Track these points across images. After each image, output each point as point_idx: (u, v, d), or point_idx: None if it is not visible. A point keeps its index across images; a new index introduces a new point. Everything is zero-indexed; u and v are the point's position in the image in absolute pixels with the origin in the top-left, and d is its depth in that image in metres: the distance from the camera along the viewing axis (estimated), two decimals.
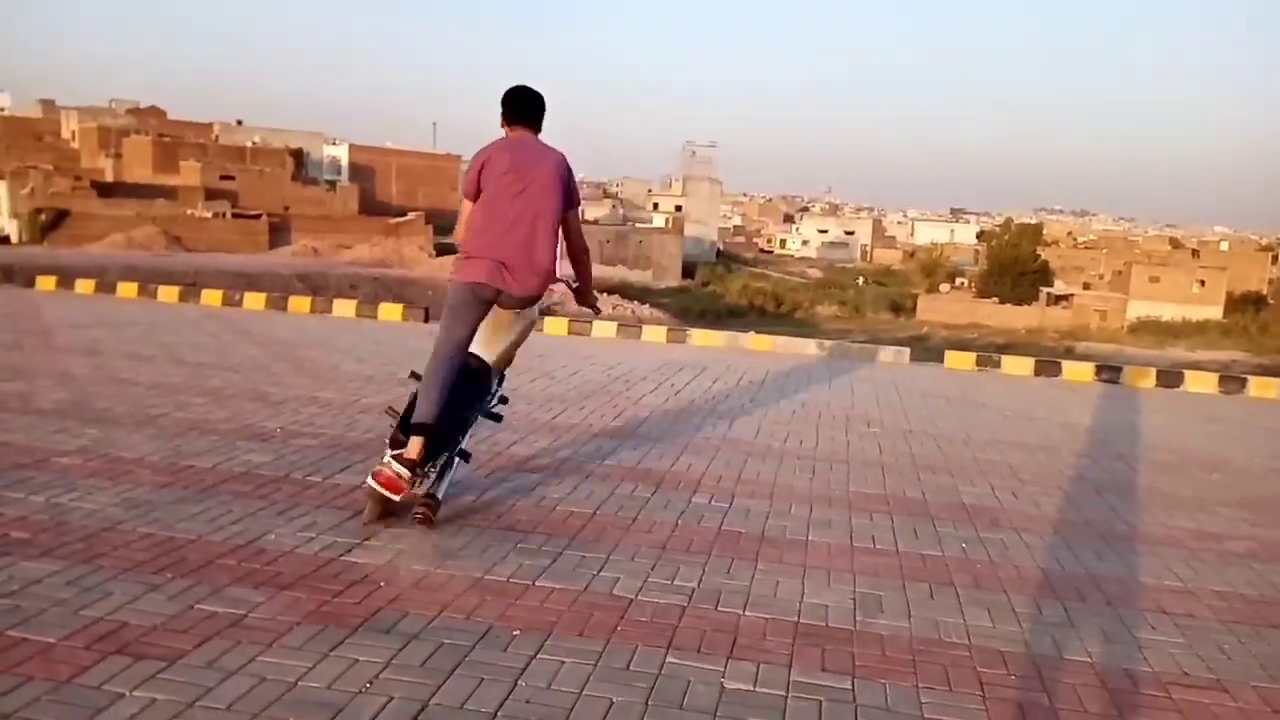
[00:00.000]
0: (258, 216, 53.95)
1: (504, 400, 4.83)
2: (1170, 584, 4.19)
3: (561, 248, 4.45)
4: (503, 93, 4.34)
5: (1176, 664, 3.39)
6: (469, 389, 4.38)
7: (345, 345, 9.06)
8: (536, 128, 4.37)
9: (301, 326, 10.34)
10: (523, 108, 4.32)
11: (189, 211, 52.39)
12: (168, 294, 12.07)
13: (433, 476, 4.25)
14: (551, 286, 4.51)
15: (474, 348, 4.40)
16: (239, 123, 78.87)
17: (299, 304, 12.03)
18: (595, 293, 4.96)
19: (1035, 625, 3.63)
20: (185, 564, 3.59)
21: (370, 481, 4.05)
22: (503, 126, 4.35)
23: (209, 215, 52.65)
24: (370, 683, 2.84)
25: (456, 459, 4.40)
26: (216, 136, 72.20)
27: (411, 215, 62.09)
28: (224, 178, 59.44)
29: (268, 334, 9.46)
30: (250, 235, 52.23)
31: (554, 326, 11.51)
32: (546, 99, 4.38)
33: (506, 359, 4.65)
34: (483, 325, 4.37)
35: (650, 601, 3.57)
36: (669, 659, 3.13)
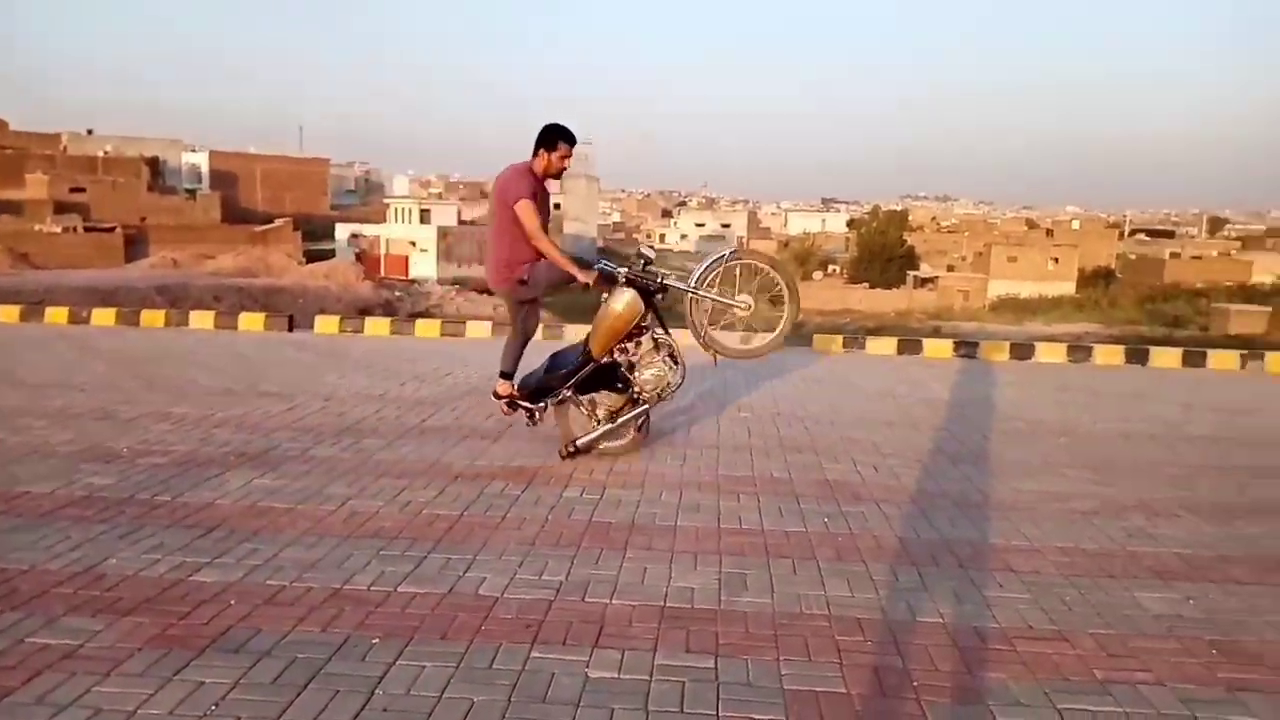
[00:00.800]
0: (112, 229, 51.22)
1: (667, 387, 5.57)
2: (1018, 544, 4.40)
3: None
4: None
5: (1022, 618, 3.55)
6: (568, 362, 5.55)
7: (202, 358, 8.68)
8: (533, 153, 5.52)
9: (156, 341, 9.86)
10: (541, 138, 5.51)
11: (36, 227, 49.35)
12: (7, 314, 11.33)
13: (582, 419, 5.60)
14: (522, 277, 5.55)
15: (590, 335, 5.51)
16: (89, 132, 74.78)
17: (152, 318, 11.46)
18: (573, 270, 5.51)
19: (892, 592, 3.75)
20: (16, 596, 3.37)
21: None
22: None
23: (59, 230, 49.68)
24: (216, 705, 2.72)
25: (605, 424, 5.56)
26: (65, 147, 68.21)
27: (278, 222, 60.08)
28: (74, 190, 56.21)
29: (118, 350, 8.99)
30: (104, 249, 49.52)
31: (425, 329, 11.31)
32: (546, 128, 5.50)
33: (601, 344, 5.40)
34: (596, 320, 5.44)
35: (516, 598, 3.54)
36: (533, 654, 3.11)
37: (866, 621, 3.46)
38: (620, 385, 5.50)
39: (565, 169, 5.58)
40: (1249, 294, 56.61)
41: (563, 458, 5.45)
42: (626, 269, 5.41)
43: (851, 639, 3.31)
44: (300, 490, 4.72)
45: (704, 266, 5.59)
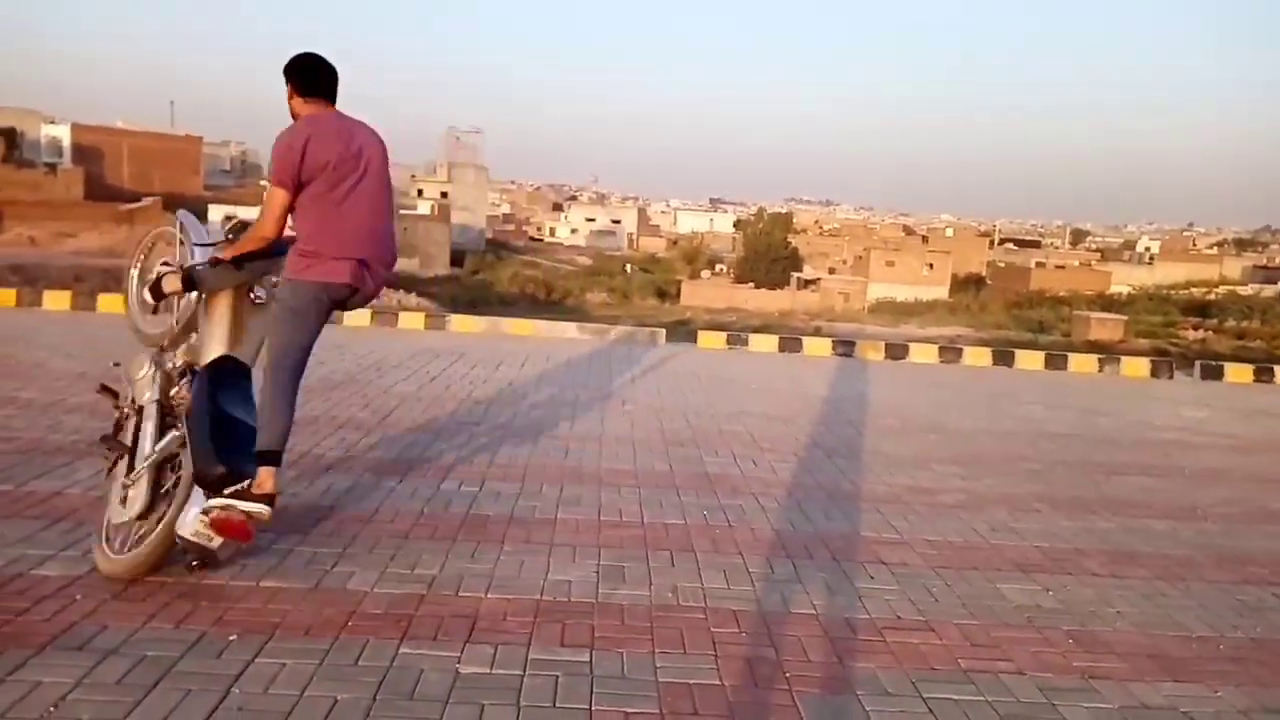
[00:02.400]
0: None
1: None
2: (888, 536, 4.51)
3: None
4: (290, 61, 3.64)
5: (891, 609, 3.64)
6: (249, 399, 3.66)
7: (54, 340, 8.15)
8: (334, 102, 3.69)
9: (5, 321, 9.22)
10: (326, 79, 3.65)
11: None
12: None
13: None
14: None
15: (229, 350, 3.60)
16: None
17: (3, 297, 10.73)
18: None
19: (767, 583, 3.79)
20: None
21: (203, 530, 3.28)
22: (297, 100, 3.62)
23: None
24: (55, 706, 2.54)
25: None
26: None
27: (146, 201, 57.15)
28: None
29: None
30: None
31: None
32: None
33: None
34: (229, 320, 3.61)
35: (386, 593, 3.42)
36: (402, 650, 3.00)
37: (742, 613, 3.48)
38: None
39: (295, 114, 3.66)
40: (1107, 302, 60.02)
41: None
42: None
43: (726, 631, 3.32)
44: None
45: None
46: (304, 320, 3.57)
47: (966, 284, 70.44)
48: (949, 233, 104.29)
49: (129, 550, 3.38)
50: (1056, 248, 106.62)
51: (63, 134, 73.90)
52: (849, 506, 4.95)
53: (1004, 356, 11.55)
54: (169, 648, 2.89)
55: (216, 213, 64.97)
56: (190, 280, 3.53)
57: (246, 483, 3.29)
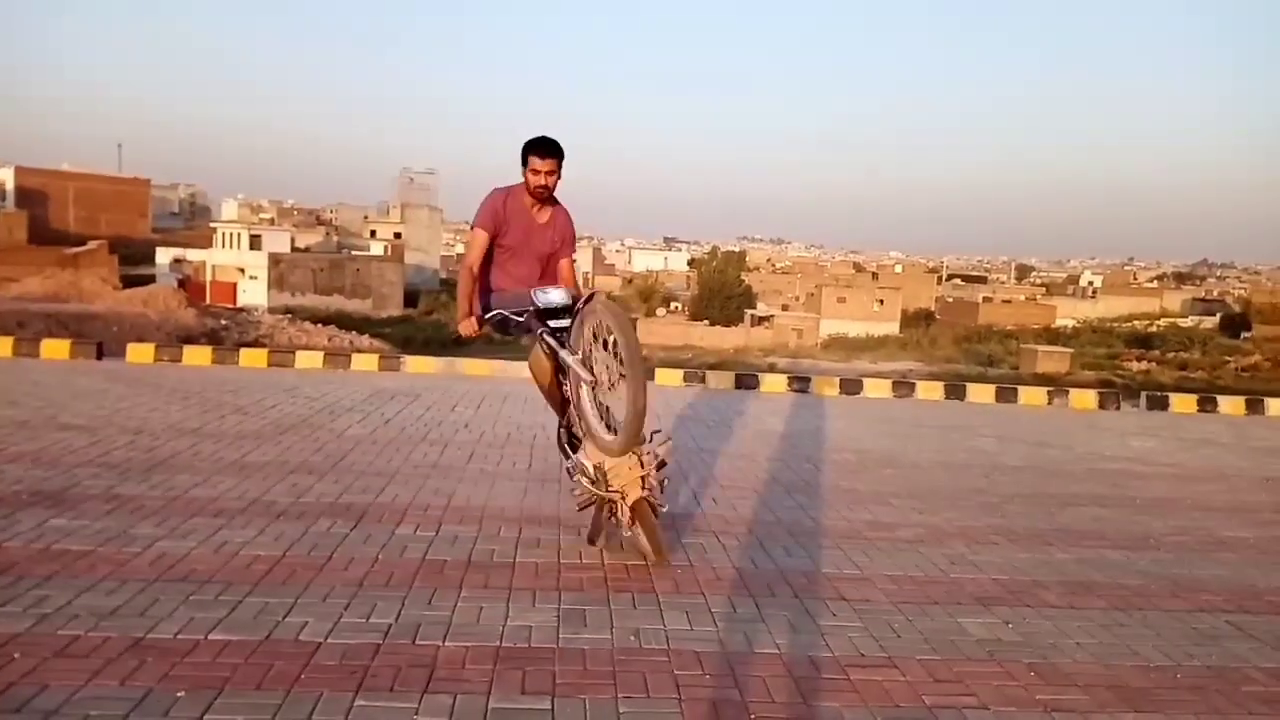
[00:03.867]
0: None
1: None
2: (849, 572, 4.51)
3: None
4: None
5: (854, 646, 3.62)
6: None
7: None
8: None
9: None
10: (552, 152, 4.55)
11: None
12: None
13: None
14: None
15: None
16: None
17: None
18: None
19: (730, 623, 3.75)
20: None
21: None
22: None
23: None
24: None
25: None
26: None
27: (92, 244, 56.13)
28: None
29: None
30: None
31: (251, 358, 10.75)
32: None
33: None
34: None
35: (341, 644, 3.33)
36: (358, 702, 2.92)
37: (705, 655, 3.43)
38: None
39: (545, 187, 4.48)
40: (1053, 336, 61.30)
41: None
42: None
43: (690, 673, 3.28)
44: (101, 531, 4.32)
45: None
46: None
47: (916, 319, 71.59)
48: (898, 269, 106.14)
49: None
50: (1002, 283, 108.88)
51: (5, 177, 72.59)
52: (810, 543, 4.94)
53: (956, 390, 11.69)
54: (113, 706, 2.77)
55: (165, 255, 63.98)
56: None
57: None
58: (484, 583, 4.04)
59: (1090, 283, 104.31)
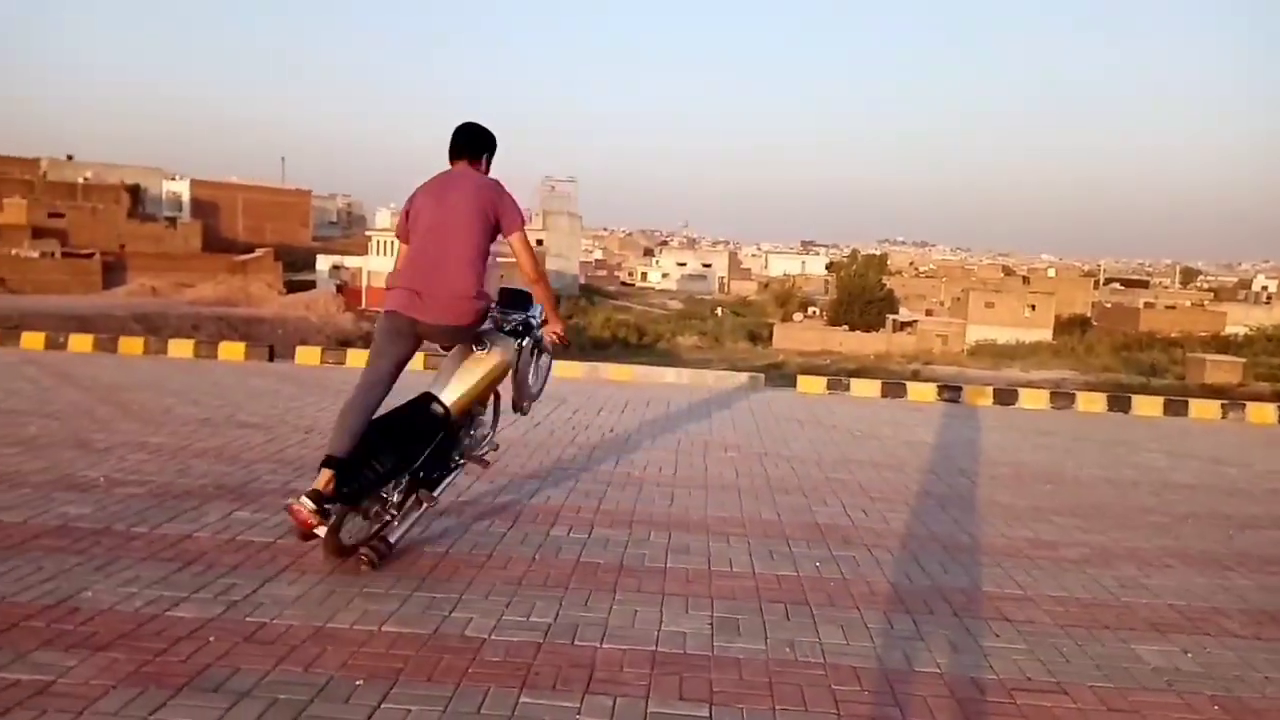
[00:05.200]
0: (90, 255, 50.85)
1: (494, 446, 4.72)
2: (1011, 592, 4.35)
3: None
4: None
5: (1019, 669, 3.49)
6: (415, 431, 4.13)
7: (180, 387, 8.55)
8: (475, 161, 4.30)
9: (133, 369, 9.71)
10: (458, 142, 4.29)
11: (13, 251, 48.91)
12: None
13: (385, 519, 4.16)
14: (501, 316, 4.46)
15: (435, 389, 4.22)
16: (69, 158, 74.41)
17: (130, 345, 11.31)
18: (561, 322, 4.66)
19: (887, 639, 3.68)
20: None
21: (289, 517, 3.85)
22: (450, 163, 4.32)
23: (36, 255, 49.27)
24: None
25: (421, 505, 4.27)
26: (44, 172, 67.82)
27: (259, 252, 59.88)
28: (53, 215, 55.84)
29: (94, 377, 8.84)
30: (82, 275, 49.14)
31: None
32: (493, 133, 4.39)
33: (469, 401, 4.28)
34: (454, 367, 4.29)
35: (504, 640, 3.44)
36: (522, 699, 3.01)
37: (863, 670, 3.38)
38: (447, 454, 4.37)
39: None
40: (1223, 344, 57.38)
41: (373, 567, 4.04)
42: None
43: (848, 688, 3.23)
44: (280, 524, 4.60)
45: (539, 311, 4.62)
46: (378, 347, 4.19)
47: (1071, 326, 68.30)
48: (1051, 273, 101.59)
49: None
50: (1166, 287, 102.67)
51: (182, 189, 78.15)
52: (967, 560, 4.79)
53: (1119, 402, 11.11)
54: (299, 691, 2.95)
55: (324, 262, 67.40)
56: None
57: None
58: (637, 587, 4.09)
59: (1265, 287, 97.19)
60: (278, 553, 4.20)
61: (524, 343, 4.50)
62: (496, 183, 4.25)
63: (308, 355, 11.37)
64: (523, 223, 4.30)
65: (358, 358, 11.34)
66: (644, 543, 4.73)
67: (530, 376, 4.72)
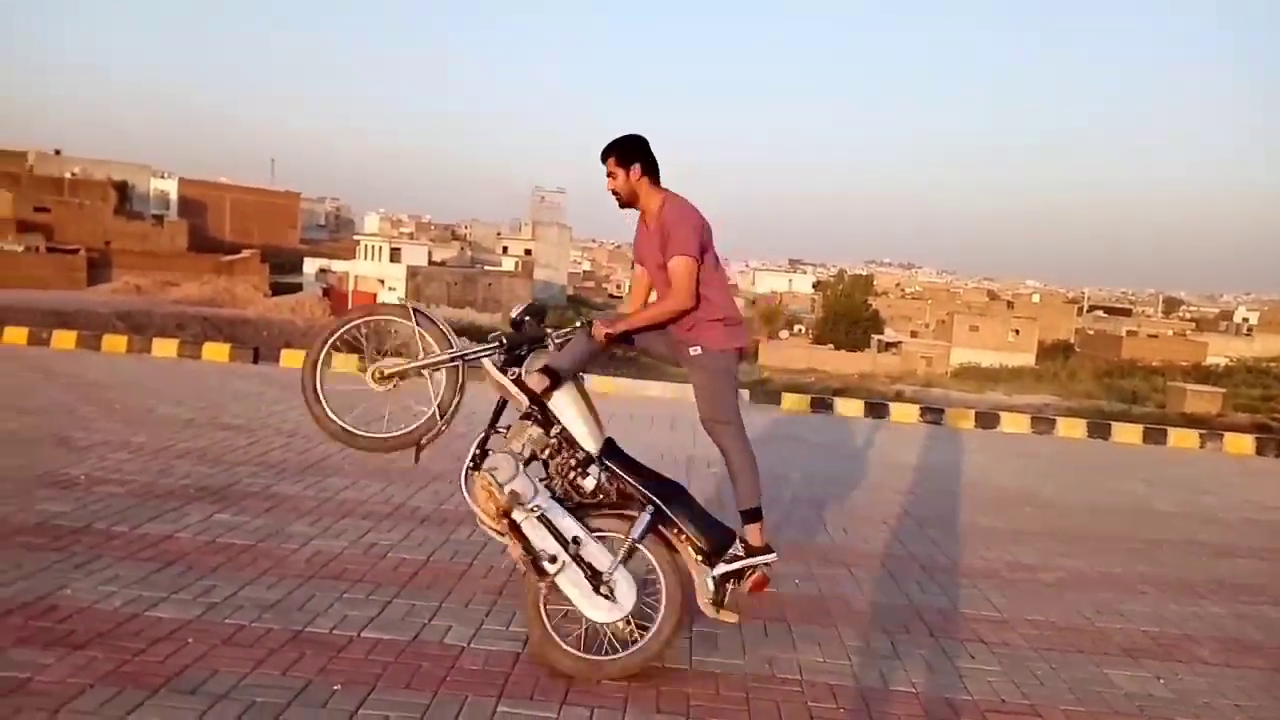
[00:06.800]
0: (75, 251, 50.50)
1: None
2: (988, 614, 4.38)
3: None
4: (637, 142, 3.67)
5: (994, 691, 3.52)
6: None
7: (163, 387, 8.51)
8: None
9: (116, 367, 9.66)
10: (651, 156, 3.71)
11: None
12: None
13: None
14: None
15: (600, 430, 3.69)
16: (57, 152, 73.95)
17: (114, 343, 11.25)
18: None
19: (864, 658, 3.71)
20: None
21: (745, 592, 3.48)
22: (646, 181, 3.66)
23: (20, 249, 48.88)
24: None
25: None
26: (31, 166, 67.38)
27: (245, 253, 59.61)
28: (39, 209, 55.45)
29: (77, 375, 8.79)
30: (66, 271, 48.75)
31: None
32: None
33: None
34: (585, 402, 3.68)
35: (483, 649, 3.45)
36: (500, 708, 3.02)
37: (839, 688, 3.40)
38: None
39: (613, 193, 3.74)
40: (1203, 374, 57.83)
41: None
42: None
43: (824, 705, 3.26)
44: (261, 527, 4.60)
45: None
46: (734, 383, 3.83)
47: (1054, 351, 68.70)
48: (1035, 298, 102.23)
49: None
50: (1149, 316, 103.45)
51: (170, 188, 77.75)
52: (945, 581, 4.83)
53: (1100, 428, 11.19)
54: (277, 694, 2.95)
55: (311, 265, 67.07)
56: (555, 374, 3.49)
57: (741, 543, 3.49)
58: None
59: (1245, 319, 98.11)
60: (258, 555, 4.20)
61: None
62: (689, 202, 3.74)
63: (293, 358, 11.32)
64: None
65: (344, 362, 11.30)
66: None
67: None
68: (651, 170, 3.66)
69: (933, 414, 11.01)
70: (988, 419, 11.08)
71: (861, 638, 3.92)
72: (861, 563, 4.99)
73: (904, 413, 11.12)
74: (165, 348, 11.20)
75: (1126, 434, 11.08)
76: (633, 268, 4.27)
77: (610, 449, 3.58)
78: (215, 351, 11.18)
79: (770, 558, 3.50)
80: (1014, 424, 11.08)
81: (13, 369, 8.80)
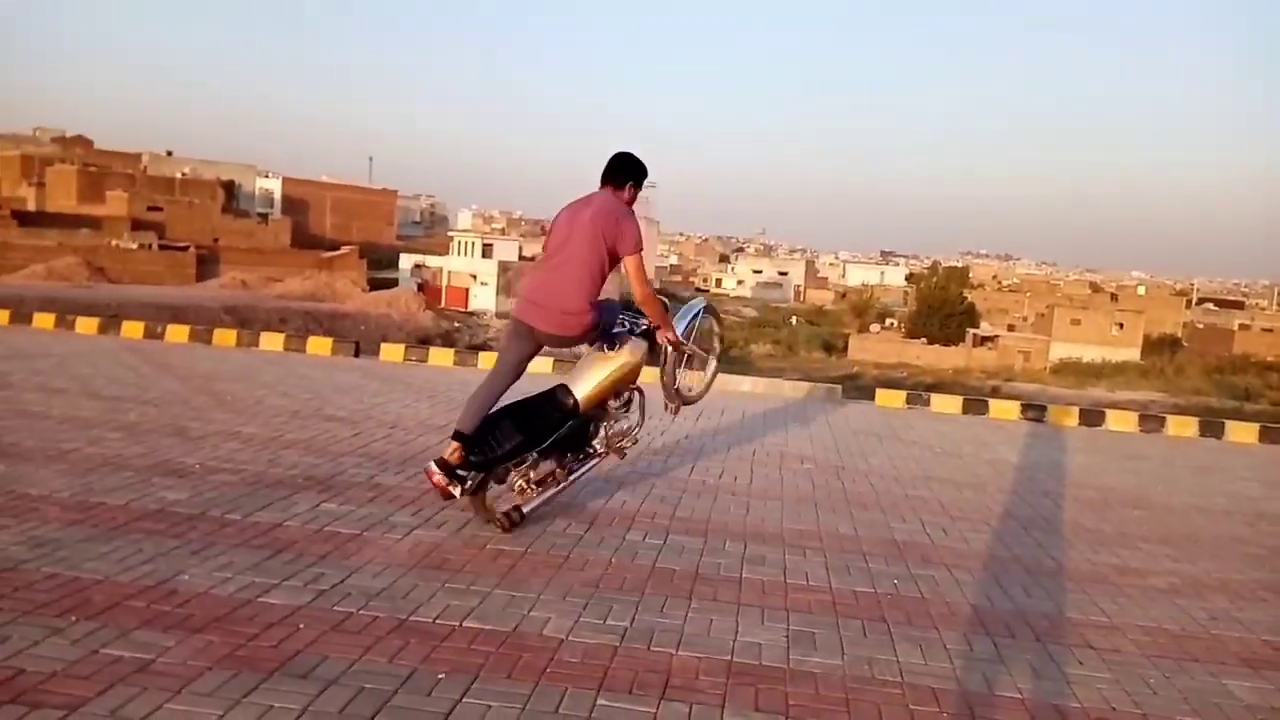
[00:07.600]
0: (185, 248, 52.79)
1: (634, 441, 5.24)
2: (1096, 619, 4.24)
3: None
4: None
5: (1104, 699, 3.41)
6: (544, 415, 4.68)
7: (271, 379, 8.83)
8: (618, 187, 4.75)
9: (226, 360, 10.06)
10: (606, 168, 4.77)
11: (113, 242, 51.05)
12: (86, 325, 11.67)
13: (523, 489, 4.65)
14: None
15: (569, 383, 4.75)
16: (169, 154, 77.39)
17: (224, 337, 11.72)
18: (686, 343, 5.29)
19: (966, 661, 3.63)
20: (90, 606, 3.40)
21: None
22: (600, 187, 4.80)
23: (134, 246, 51.34)
24: None
25: (558, 484, 4.82)
26: (145, 167, 70.71)
27: (345, 249, 61.42)
28: (151, 209, 58.17)
29: (190, 367, 9.18)
30: (177, 267, 51.04)
31: (488, 361, 11.39)
32: (641, 163, 4.82)
33: (598, 394, 4.79)
34: (586, 364, 4.85)
35: (581, 642, 3.49)
36: (600, 701, 3.04)
37: (941, 691, 3.34)
38: (582, 441, 4.92)
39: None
40: None
41: (505, 530, 4.63)
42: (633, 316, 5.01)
43: (926, 709, 3.20)
44: (366, 516, 4.73)
45: (689, 318, 5.36)
46: (503, 344, 4.85)
47: (1160, 346, 66.02)
48: (1141, 290, 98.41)
49: None
50: (1263, 309, 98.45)
51: (274, 187, 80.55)
52: (1051, 584, 4.69)
53: (1211, 427, 10.71)
54: (384, 681, 3.03)
55: (407, 261, 68.74)
56: None
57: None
58: (712, 595, 4.10)
59: None
60: (363, 545, 4.32)
61: (662, 346, 5.05)
62: (620, 207, 4.67)
63: (392, 352, 11.64)
64: (637, 248, 4.67)
65: (439, 356, 11.57)
66: (719, 551, 4.74)
67: (679, 379, 5.42)
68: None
69: (1034, 411, 10.70)
70: (1092, 416, 10.71)
71: (964, 640, 3.84)
72: (962, 564, 4.88)
73: (1004, 410, 10.83)
74: (272, 341, 11.62)
75: (1241, 433, 10.59)
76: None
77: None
78: (318, 345, 11.54)
79: (431, 466, 4.44)
80: (1120, 422, 10.69)
81: (134, 362, 9.24)
